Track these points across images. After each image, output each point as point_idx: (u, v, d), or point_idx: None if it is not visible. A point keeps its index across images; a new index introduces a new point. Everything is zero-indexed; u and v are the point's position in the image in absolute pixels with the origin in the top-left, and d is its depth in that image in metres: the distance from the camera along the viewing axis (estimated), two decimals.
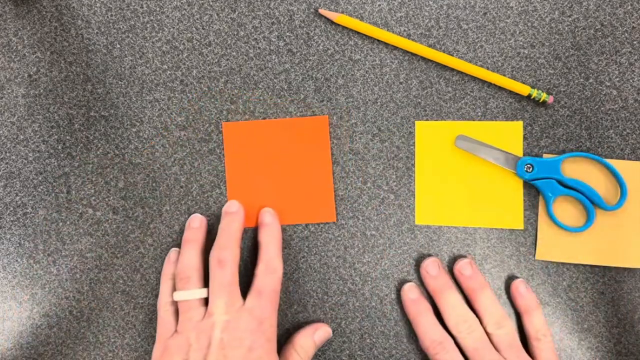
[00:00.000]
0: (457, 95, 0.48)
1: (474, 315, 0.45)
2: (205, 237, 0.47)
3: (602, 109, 0.48)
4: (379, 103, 0.48)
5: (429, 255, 0.47)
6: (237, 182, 0.48)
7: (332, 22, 0.48)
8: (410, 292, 0.47)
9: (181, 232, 0.48)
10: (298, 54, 0.48)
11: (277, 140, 0.48)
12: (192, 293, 0.43)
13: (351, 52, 0.48)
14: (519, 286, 0.46)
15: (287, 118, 0.48)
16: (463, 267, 0.46)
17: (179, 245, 0.48)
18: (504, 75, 0.48)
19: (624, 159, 0.47)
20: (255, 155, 0.48)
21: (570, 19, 0.48)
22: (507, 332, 0.44)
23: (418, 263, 0.48)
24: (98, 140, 0.49)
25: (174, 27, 0.48)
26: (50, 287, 0.48)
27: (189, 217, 0.48)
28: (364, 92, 0.48)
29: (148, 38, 0.48)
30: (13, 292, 0.48)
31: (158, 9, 0.48)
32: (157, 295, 0.48)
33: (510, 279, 0.48)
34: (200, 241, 0.46)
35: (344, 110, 0.48)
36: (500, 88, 0.48)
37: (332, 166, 0.48)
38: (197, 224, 0.47)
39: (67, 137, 0.49)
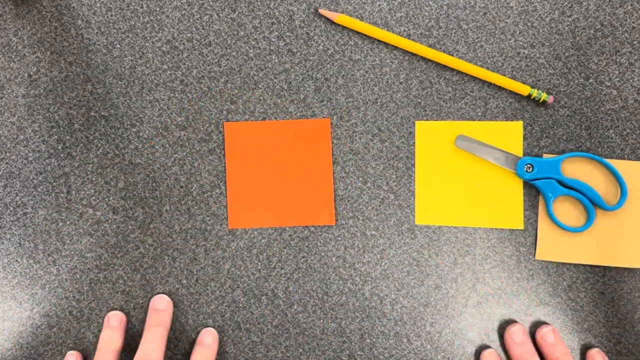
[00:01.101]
0: (457, 95, 0.48)
1: None
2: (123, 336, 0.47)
3: (602, 109, 0.48)
4: (379, 103, 0.48)
5: (514, 321, 0.47)
6: (237, 183, 0.48)
7: (332, 22, 0.48)
8: (491, 358, 0.47)
9: (181, 231, 0.48)
10: (298, 54, 0.48)
11: (278, 142, 0.48)
12: None
13: (351, 52, 0.48)
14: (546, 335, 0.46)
15: (289, 120, 0.48)
16: (546, 335, 0.46)
17: (178, 246, 0.48)
18: (504, 75, 0.48)
19: (624, 159, 0.47)
20: (256, 156, 0.48)
21: (570, 19, 0.48)
22: None
23: (418, 263, 0.48)
24: (98, 140, 0.49)
25: (174, 27, 0.48)
26: (50, 287, 0.48)
27: (189, 217, 0.48)
28: (364, 92, 0.48)
29: (148, 38, 0.48)
30: (13, 292, 0.48)
31: (158, 9, 0.48)
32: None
33: (510, 279, 0.48)
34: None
35: (344, 110, 0.48)
36: (500, 88, 0.48)
37: (332, 169, 0.48)
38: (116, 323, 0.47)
39: (67, 137, 0.49)
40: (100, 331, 0.48)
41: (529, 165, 0.47)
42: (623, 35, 0.47)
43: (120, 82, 0.48)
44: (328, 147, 0.48)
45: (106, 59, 0.48)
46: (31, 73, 0.48)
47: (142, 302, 0.48)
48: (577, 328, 0.48)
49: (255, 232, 0.48)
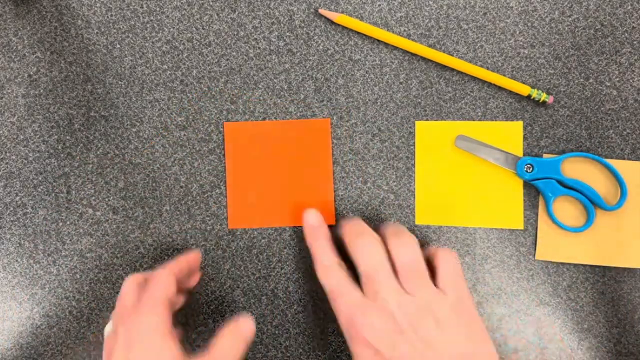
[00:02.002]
0: (457, 95, 0.48)
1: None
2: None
3: (602, 109, 0.48)
4: (379, 103, 0.48)
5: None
6: (237, 183, 0.48)
7: (332, 22, 0.48)
8: (308, 218, 0.46)
9: (181, 231, 0.48)
10: (298, 54, 0.48)
11: (278, 142, 0.48)
12: None
13: (351, 52, 0.48)
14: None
15: (289, 120, 0.48)
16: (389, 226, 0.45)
17: (178, 246, 0.48)
18: (504, 75, 0.48)
19: (624, 159, 0.47)
20: (256, 156, 0.48)
21: (570, 19, 0.48)
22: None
23: None
24: (98, 140, 0.49)
25: (174, 27, 0.48)
26: (50, 287, 0.48)
27: (189, 217, 0.48)
28: (364, 92, 0.48)
29: (148, 38, 0.48)
30: (13, 292, 0.48)
31: (158, 9, 0.48)
32: None
33: (510, 279, 0.48)
34: None
35: (344, 110, 0.48)
36: (500, 88, 0.48)
37: (332, 169, 0.48)
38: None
39: (67, 137, 0.49)
40: (100, 331, 0.48)
41: (529, 165, 0.47)
42: (623, 35, 0.47)
43: (120, 82, 0.48)
44: (328, 147, 0.48)
45: (106, 59, 0.48)
46: (31, 73, 0.48)
47: None
48: (577, 328, 0.48)
49: (255, 232, 0.48)
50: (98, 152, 0.49)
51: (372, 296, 0.40)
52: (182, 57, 0.48)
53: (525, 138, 0.48)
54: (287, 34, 0.48)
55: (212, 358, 0.39)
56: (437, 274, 0.42)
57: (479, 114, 0.48)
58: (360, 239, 0.42)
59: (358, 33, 0.48)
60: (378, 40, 0.48)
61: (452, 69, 0.48)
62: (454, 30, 0.48)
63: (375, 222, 0.48)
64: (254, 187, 0.48)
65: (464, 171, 0.48)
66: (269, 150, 0.48)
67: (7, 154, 0.48)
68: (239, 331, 0.41)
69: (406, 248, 0.41)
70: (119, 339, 0.38)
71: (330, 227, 0.48)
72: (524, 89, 0.47)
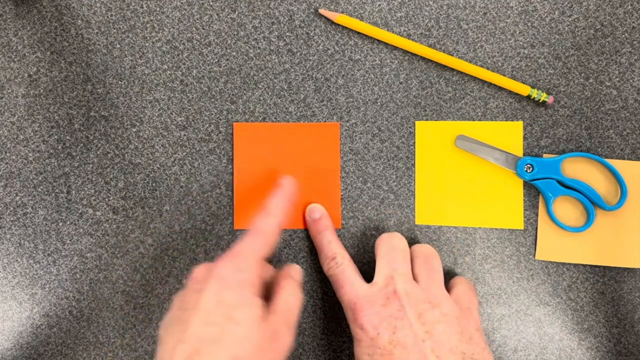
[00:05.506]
0: (457, 95, 0.48)
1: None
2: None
3: (602, 109, 0.48)
4: (379, 103, 0.48)
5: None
6: (244, 183, 0.48)
7: (332, 22, 0.48)
8: (313, 212, 0.47)
9: (181, 231, 0.48)
10: (298, 54, 0.48)
11: (287, 144, 0.48)
12: None
13: (351, 52, 0.48)
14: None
15: (298, 122, 0.48)
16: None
17: (178, 246, 0.48)
18: (504, 75, 0.48)
19: (624, 159, 0.47)
20: (264, 158, 0.48)
21: (570, 19, 0.48)
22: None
23: None
24: (98, 140, 0.49)
25: (174, 27, 0.48)
26: (50, 287, 0.48)
27: (189, 217, 0.48)
28: (364, 92, 0.48)
29: (148, 38, 0.48)
30: (13, 292, 0.48)
31: (158, 9, 0.48)
32: (156, 295, 0.48)
33: (510, 279, 0.48)
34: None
35: (344, 111, 0.48)
36: (500, 88, 0.48)
37: (340, 172, 0.48)
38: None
39: (67, 137, 0.49)
40: (100, 331, 0.48)
41: (529, 165, 0.47)
42: (623, 35, 0.47)
43: (120, 82, 0.48)
44: (337, 151, 0.48)
45: (106, 59, 0.48)
46: (31, 73, 0.48)
47: (142, 302, 0.48)
48: (577, 328, 0.48)
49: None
50: (98, 152, 0.49)
51: (385, 281, 0.42)
52: (182, 57, 0.48)
53: (525, 138, 0.48)
54: (287, 34, 0.48)
55: (280, 312, 0.40)
56: (452, 292, 0.44)
57: (479, 114, 0.48)
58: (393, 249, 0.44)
59: (358, 33, 0.48)
60: (378, 40, 0.48)
61: (452, 69, 0.48)
62: (454, 30, 0.48)
63: (376, 222, 0.48)
64: (261, 188, 0.48)
65: (464, 171, 0.48)
66: (278, 152, 0.48)
67: (7, 154, 0.48)
68: (293, 279, 0.43)
69: (430, 271, 0.43)
70: (210, 286, 0.38)
71: (337, 230, 0.48)
72: (524, 89, 0.47)
